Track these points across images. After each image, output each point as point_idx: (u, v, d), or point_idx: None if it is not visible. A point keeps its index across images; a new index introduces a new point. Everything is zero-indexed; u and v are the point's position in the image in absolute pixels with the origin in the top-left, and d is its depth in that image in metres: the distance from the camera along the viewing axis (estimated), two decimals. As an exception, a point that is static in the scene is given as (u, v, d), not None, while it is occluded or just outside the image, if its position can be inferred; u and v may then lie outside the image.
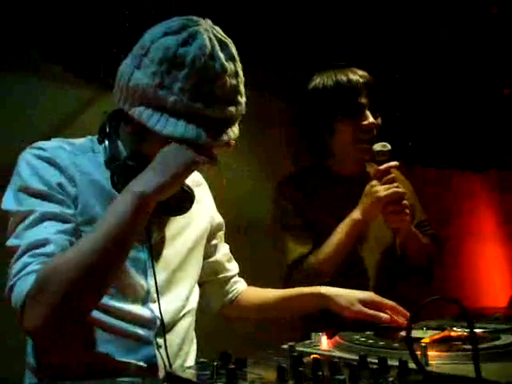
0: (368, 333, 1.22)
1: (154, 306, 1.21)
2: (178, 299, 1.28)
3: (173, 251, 1.29)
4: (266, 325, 1.89)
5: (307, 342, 1.15)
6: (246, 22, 2.20)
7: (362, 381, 0.80)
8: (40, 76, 2.12)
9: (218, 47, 1.11)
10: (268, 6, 2.30)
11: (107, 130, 1.22)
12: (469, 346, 0.97)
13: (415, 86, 2.81)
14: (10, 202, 1.14)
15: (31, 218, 1.10)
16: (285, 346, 1.05)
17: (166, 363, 1.19)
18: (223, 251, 1.51)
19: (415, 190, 1.95)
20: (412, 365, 0.84)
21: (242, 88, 1.16)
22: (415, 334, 1.14)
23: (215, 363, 0.85)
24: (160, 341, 1.20)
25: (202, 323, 1.39)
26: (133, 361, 1.17)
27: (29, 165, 1.16)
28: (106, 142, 1.21)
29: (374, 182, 1.66)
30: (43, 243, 1.07)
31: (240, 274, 1.55)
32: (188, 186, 1.24)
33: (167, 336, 1.21)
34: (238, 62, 1.16)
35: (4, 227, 1.15)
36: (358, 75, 1.74)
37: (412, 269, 1.85)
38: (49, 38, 2.07)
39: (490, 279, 3.53)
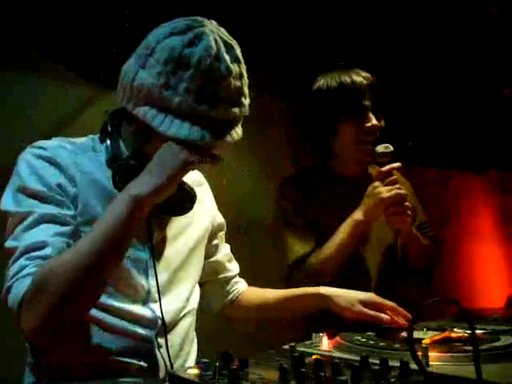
0: (368, 333, 1.22)
1: (155, 306, 1.21)
2: (179, 299, 1.28)
3: (174, 251, 1.29)
4: (267, 325, 1.89)
5: (308, 342, 1.15)
6: (246, 22, 2.19)
7: (363, 381, 0.80)
8: (40, 75, 2.12)
9: (223, 49, 1.11)
10: (268, 6, 2.30)
11: (109, 129, 1.22)
12: (469, 348, 0.97)
13: (415, 86, 2.80)
14: (8, 203, 1.14)
15: (29, 219, 1.10)
16: (286, 347, 1.05)
17: (167, 363, 1.19)
18: (224, 251, 1.50)
19: (415, 190, 1.96)
20: (413, 366, 0.84)
21: (246, 90, 1.16)
22: (416, 334, 1.13)
23: (217, 363, 0.85)
24: (161, 341, 1.20)
25: (202, 323, 1.39)
26: (133, 361, 1.17)
27: (28, 165, 1.16)
28: (108, 141, 1.20)
29: (377, 183, 1.66)
30: (40, 246, 1.07)
31: (240, 274, 1.55)
32: (189, 186, 1.23)
33: (168, 336, 1.21)
34: (243, 64, 1.15)
35: (3, 227, 1.14)
36: (361, 77, 1.74)
37: (412, 270, 1.86)
38: (49, 37, 2.06)
39: (487, 279, 3.53)
